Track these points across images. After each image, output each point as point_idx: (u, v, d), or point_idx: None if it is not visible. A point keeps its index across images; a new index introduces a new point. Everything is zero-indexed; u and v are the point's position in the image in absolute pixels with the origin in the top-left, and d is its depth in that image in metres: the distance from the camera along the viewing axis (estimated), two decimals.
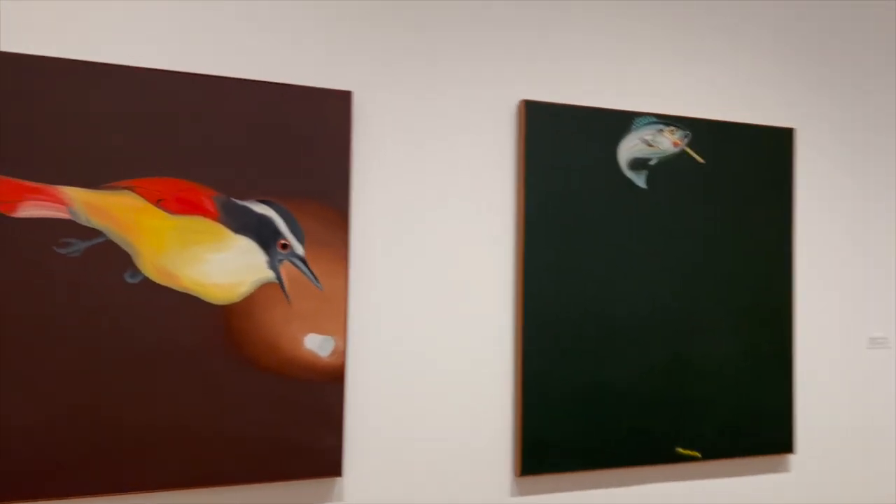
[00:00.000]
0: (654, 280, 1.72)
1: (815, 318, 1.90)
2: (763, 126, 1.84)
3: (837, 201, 1.93)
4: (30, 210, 1.27)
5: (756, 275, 1.82)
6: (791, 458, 1.87)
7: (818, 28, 1.94)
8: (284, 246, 1.43)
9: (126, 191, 1.33)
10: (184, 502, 1.37)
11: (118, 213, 1.32)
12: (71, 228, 1.30)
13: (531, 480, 1.62)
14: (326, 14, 1.50)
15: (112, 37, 1.35)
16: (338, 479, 1.47)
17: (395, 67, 1.54)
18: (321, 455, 1.44)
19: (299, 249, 1.44)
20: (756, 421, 1.80)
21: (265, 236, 1.42)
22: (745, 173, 1.82)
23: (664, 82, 1.78)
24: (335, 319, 1.46)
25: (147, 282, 1.34)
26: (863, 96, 1.97)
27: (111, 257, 1.32)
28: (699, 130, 1.78)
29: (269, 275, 1.42)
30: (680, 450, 1.73)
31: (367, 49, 1.52)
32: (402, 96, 1.55)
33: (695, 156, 1.78)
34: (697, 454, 1.74)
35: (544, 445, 1.61)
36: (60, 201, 1.29)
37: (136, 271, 1.33)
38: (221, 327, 1.38)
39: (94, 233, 1.31)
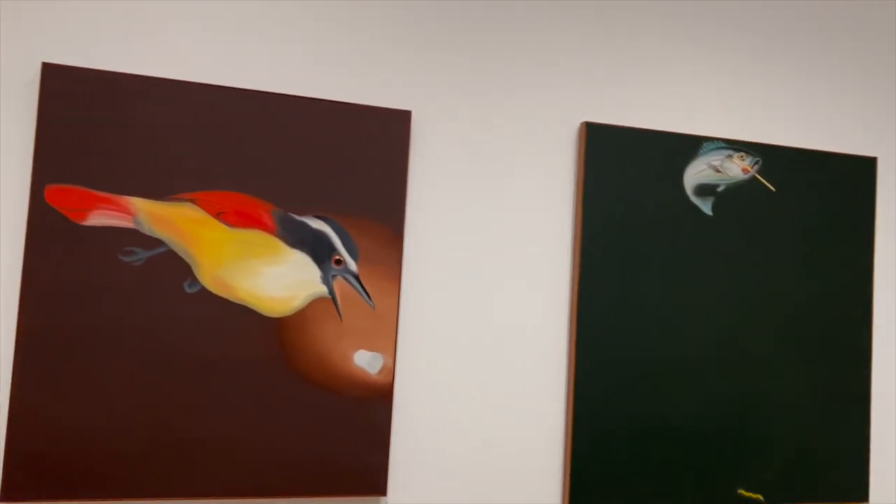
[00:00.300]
0: (719, 312, 1.65)
1: (895, 359, 1.78)
2: (842, 154, 1.75)
3: None
4: (98, 219, 1.33)
5: (831, 310, 1.72)
6: None
7: None
8: (338, 262, 1.44)
9: (188, 203, 1.37)
10: None
11: (180, 224, 1.36)
12: (135, 238, 1.34)
13: None
14: (388, 35, 1.51)
15: (180, 55, 1.40)
16: (381, 498, 1.46)
17: (455, 87, 1.54)
18: (366, 473, 1.43)
19: (353, 266, 1.45)
20: (826, 465, 1.70)
21: (320, 252, 1.43)
22: (821, 203, 1.73)
23: (734, 106, 1.72)
24: (385, 337, 1.46)
25: (205, 292, 1.37)
26: None
27: (172, 267, 1.36)
28: (771, 157, 1.71)
29: (323, 290, 1.43)
30: (742, 492, 1.65)
31: (428, 69, 1.53)
32: (461, 116, 1.54)
33: (766, 183, 1.70)
34: (760, 497, 1.65)
35: (595, 479, 1.55)
36: (127, 211, 1.34)
37: (194, 281, 1.37)
38: (274, 340, 1.40)
39: (156, 242, 1.35)
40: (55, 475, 1.29)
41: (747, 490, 1.65)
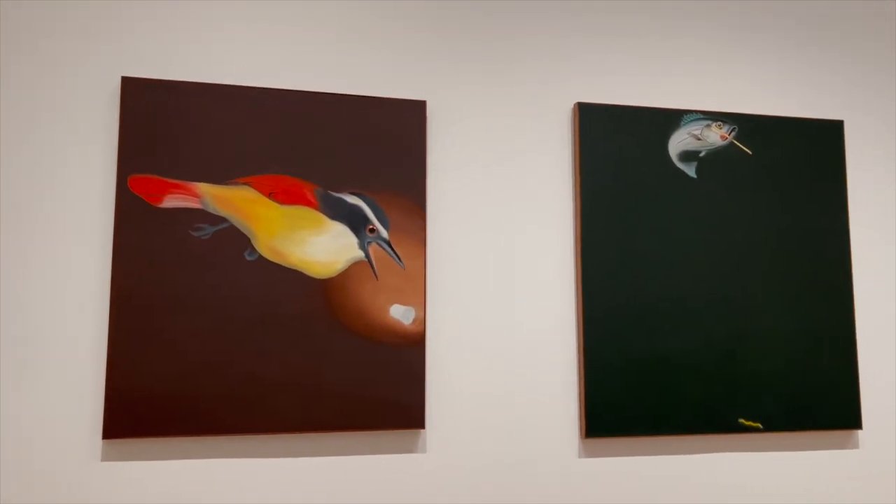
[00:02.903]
0: (709, 262, 1.86)
1: (874, 296, 1.97)
2: (810, 119, 1.97)
3: (891, 184, 2.02)
4: (171, 202, 1.60)
5: (811, 256, 1.92)
6: (859, 433, 1.92)
7: (860, 21, 2.07)
8: (372, 230, 1.69)
9: (245, 186, 1.64)
10: (289, 445, 1.62)
11: (239, 203, 1.63)
12: (202, 216, 1.61)
13: (596, 442, 1.77)
14: (405, 35, 1.78)
15: (231, 64, 1.68)
16: (421, 431, 1.69)
17: (463, 78, 1.81)
18: (406, 409, 1.66)
19: (384, 234, 1.70)
20: (819, 396, 1.88)
21: (356, 222, 1.68)
22: (795, 162, 1.95)
23: (710, 81, 1.95)
24: (416, 293, 1.69)
25: (262, 259, 1.63)
26: None
27: (234, 239, 1.62)
28: (746, 125, 1.93)
29: (360, 254, 1.68)
30: (742, 420, 1.83)
31: (438, 65, 1.80)
32: (469, 103, 1.80)
33: (743, 148, 1.93)
34: (759, 425, 1.84)
35: (607, 410, 1.76)
36: (194, 194, 1.61)
37: (253, 250, 1.62)
38: (322, 298, 1.65)
39: (220, 219, 1.61)
40: (146, 416, 1.53)
41: (747, 419, 1.84)
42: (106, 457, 1.53)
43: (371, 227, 1.69)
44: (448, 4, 1.82)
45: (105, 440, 1.53)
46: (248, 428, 1.58)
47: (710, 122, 1.92)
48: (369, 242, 1.69)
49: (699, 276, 1.86)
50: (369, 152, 1.71)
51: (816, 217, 1.94)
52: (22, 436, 1.50)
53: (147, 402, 1.54)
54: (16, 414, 1.50)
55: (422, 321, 1.69)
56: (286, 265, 1.64)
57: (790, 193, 1.93)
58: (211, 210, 1.61)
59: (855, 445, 1.92)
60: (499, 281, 1.77)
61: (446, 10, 1.82)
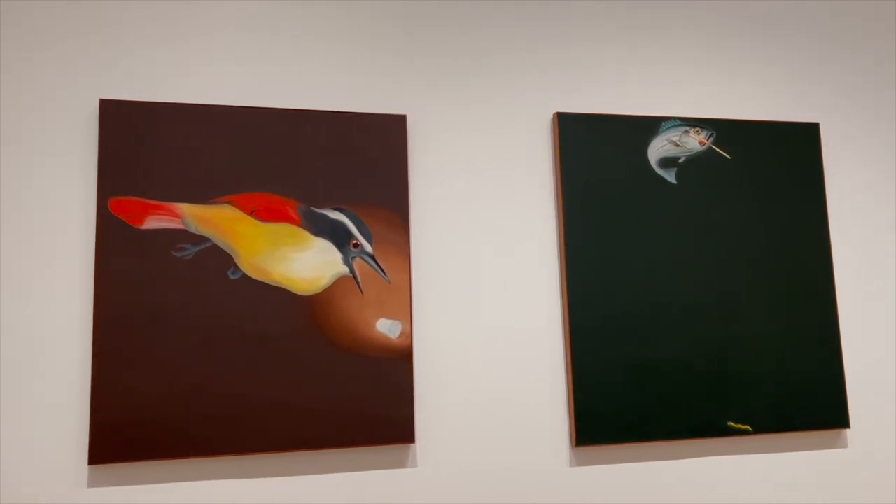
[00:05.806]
0: (692, 266, 1.87)
1: (855, 294, 1.99)
2: (787, 122, 2.00)
3: (868, 183, 2.05)
4: (153, 223, 1.59)
5: (793, 258, 1.94)
6: (847, 433, 1.93)
7: (833, 23, 2.10)
8: (356, 245, 1.69)
9: (226, 204, 1.63)
10: (278, 464, 1.60)
11: (221, 222, 1.62)
12: (184, 236, 1.60)
13: (587, 451, 1.77)
14: (383, 50, 1.79)
15: (209, 84, 1.68)
16: (411, 445, 1.68)
17: (442, 91, 1.81)
18: (395, 424, 1.65)
19: (368, 248, 1.69)
20: (807, 396, 1.89)
21: (340, 238, 1.68)
22: (773, 165, 1.97)
23: (687, 87, 1.97)
24: (402, 306, 1.69)
25: (245, 278, 1.62)
26: (884, 90, 2.11)
27: (216, 258, 1.61)
28: (724, 130, 1.95)
29: (344, 270, 1.67)
30: (731, 423, 1.84)
31: (417, 76, 1.81)
32: (449, 115, 1.81)
33: (721, 152, 1.95)
34: (748, 427, 1.84)
35: (596, 418, 1.76)
36: (176, 215, 1.60)
37: (236, 269, 1.62)
38: (307, 314, 1.64)
39: (202, 239, 1.61)
40: (132, 439, 1.51)
41: (736, 422, 1.84)
42: (93, 482, 1.51)
43: (354, 241, 1.69)
44: (425, 18, 1.83)
45: (91, 465, 1.51)
46: (236, 448, 1.57)
47: (688, 127, 1.93)
48: (353, 257, 1.68)
49: (683, 280, 1.87)
50: (350, 167, 1.71)
51: (796, 218, 1.96)
52: (6, 463, 1.48)
53: (133, 425, 1.52)
54: None
55: (408, 334, 1.68)
56: (270, 283, 1.63)
57: (770, 196, 1.95)
58: (193, 230, 1.61)
59: (844, 444, 1.93)
60: (484, 291, 1.77)
61: (423, 25, 1.83)
